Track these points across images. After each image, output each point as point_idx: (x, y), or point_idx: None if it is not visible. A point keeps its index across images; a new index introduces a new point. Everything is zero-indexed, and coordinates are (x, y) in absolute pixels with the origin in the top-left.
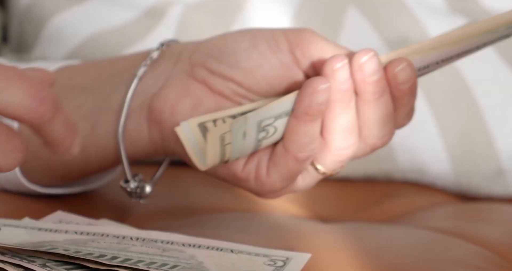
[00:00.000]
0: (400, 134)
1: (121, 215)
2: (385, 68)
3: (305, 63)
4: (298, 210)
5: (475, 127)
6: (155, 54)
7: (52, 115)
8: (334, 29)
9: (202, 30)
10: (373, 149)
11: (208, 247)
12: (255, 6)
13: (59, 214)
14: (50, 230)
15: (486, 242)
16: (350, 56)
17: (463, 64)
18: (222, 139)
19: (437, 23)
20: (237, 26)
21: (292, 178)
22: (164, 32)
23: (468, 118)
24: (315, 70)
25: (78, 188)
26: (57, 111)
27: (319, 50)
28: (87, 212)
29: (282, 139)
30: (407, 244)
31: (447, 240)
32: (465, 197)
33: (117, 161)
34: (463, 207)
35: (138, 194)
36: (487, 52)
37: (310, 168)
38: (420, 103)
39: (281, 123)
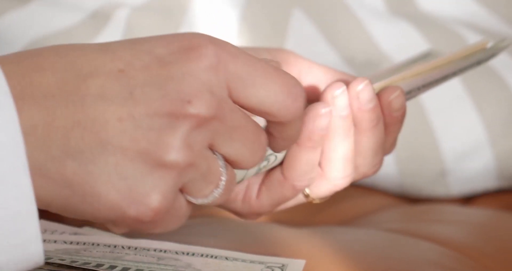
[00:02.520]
0: None
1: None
2: (378, 96)
3: None
4: None
5: (421, 130)
6: None
7: (302, 112)
8: (280, 32)
9: (149, 33)
10: (364, 177)
11: (202, 255)
12: (201, 9)
13: (42, 223)
14: None
15: (449, 242)
16: (341, 77)
17: None
18: None
19: (380, 27)
20: (184, 28)
21: (282, 203)
22: (111, 35)
23: (414, 121)
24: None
25: None
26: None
27: (305, 72)
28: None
29: (280, 165)
30: (381, 247)
31: (415, 241)
32: (406, 198)
33: None
34: (413, 208)
35: None
36: None
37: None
38: None
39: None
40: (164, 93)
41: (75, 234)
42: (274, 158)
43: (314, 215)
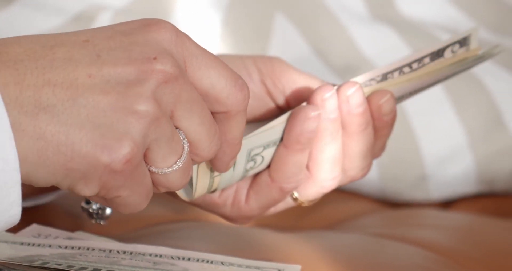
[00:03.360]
0: None
1: (74, 225)
2: (368, 100)
3: (276, 93)
4: None
5: (402, 134)
6: None
7: (246, 105)
8: (263, 36)
9: None
10: (352, 181)
11: (198, 260)
12: (184, 12)
13: (36, 227)
14: (33, 244)
15: (435, 247)
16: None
17: None
18: (212, 171)
19: (362, 31)
20: None
21: (271, 206)
22: None
23: (395, 126)
24: (286, 100)
25: (45, 199)
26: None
27: (290, 81)
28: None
29: (267, 168)
30: (372, 252)
31: (402, 246)
32: (387, 202)
33: None
34: (395, 213)
35: (100, 215)
36: None
37: (288, 197)
38: None
39: (268, 153)
40: (130, 54)
41: (69, 238)
42: (261, 159)
43: (298, 220)
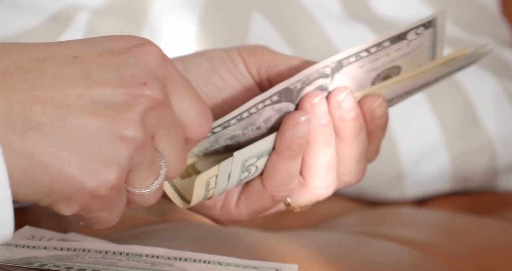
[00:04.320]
0: None
1: (60, 227)
2: (360, 104)
3: (261, 79)
4: None
5: None
6: None
7: (203, 138)
8: (241, 35)
9: None
10: (346, 186)
11: (195, 260)
12: (161, 12)
13: (28, 229)
14: (28, 246)
15: (418, 244)
16: (304, 65)
17: None
18: (208, 184)
19: (337, 29)
20: (145, 31)
21: (261, 212)
22: (71, 37)
23: None
24: (270, 84)
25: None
26: None
27: (272, 65)
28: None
29: (259, 175)
30: (362, 251)
31: (387, 244)
32: (362, 201)
33: None
34: (374, 212)
35: None
36: None
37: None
38: None
39: (261, 162)
40: (120, 76)
41: (63, 240)
42: (255, 168)
43: (277, 220)
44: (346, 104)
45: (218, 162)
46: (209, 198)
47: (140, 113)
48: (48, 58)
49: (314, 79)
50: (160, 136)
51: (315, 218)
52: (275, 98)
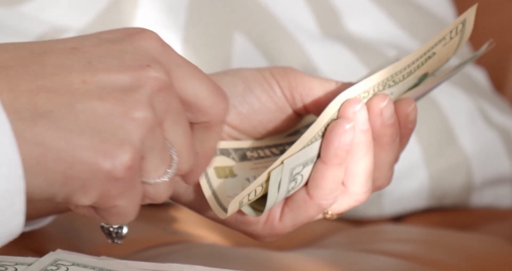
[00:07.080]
0: None
1: (72, 247)
2: (395, 109)
3: (296, 102)
4: (218, 238)
5: None
6: None
7: (226, 116)
8: (225, 54)
9: None
10: (377, 190)
11: None
12: None
13: (60, 253)
14: None
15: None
16: (342, 87)
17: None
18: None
19: (316, 49)
20: None
21: (305, 223)
22: None
23: None
24: (305, 107)
25: (43, 223)
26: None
27: (307, 88)
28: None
29: (304, 186)
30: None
31: (383, 258)
32: (345, 220)
33: None
34: (360, 230)
35: (119, 234)
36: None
37: None
38: None
39: (306, 171)
40: (122, 61)
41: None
42: (301, 178)
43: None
44: (388, 111)
45: (256, 168)
46: (261, 212)
47: (147, 94)
48: (48, 51)
49: None
50: (169, 123)
51: (304, 238)
52: None
